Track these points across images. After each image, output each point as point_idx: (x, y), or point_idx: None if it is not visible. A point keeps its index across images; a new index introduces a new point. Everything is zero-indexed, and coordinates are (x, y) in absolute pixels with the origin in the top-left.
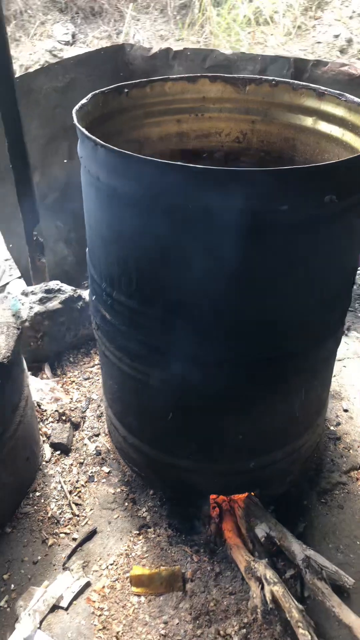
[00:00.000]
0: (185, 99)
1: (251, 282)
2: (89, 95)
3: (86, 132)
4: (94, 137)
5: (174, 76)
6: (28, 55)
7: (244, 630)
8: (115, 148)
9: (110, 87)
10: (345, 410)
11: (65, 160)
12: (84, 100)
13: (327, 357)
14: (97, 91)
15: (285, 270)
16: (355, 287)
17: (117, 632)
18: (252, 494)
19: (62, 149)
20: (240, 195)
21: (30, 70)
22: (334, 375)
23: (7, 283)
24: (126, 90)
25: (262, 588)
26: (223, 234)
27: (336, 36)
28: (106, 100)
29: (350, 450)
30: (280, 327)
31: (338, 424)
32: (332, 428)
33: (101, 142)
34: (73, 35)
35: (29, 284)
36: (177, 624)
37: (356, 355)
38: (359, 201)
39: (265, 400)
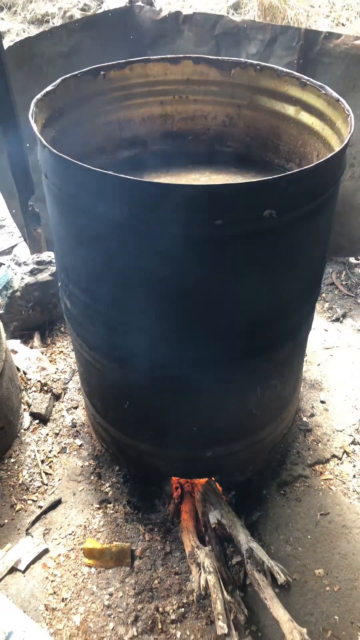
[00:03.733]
0: (168, 80)
1: (189, 290)
2: (57, 81)
3: (36, 131)
4: (40, 137)
5: (155, 57)
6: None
7: (182, 609)
8: (55, 151)
9: (84, 70)
10: (322, 402)
11: None
12: (49, 87)
13: (286, 359)
14: (67, 75)
15: (222, 281)
16: (359, 270)
17: (65, 598)
18: (212, 479)
19: None
20: (172, 208)
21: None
22: (318, 364)
23: (15, 245)
24: (103, 73)
25: (200, 575)
26: (156, 243)
27: None
28: (80, 83)
29: (319, 444)
30: (221, 331)
31: (312, 415)
32: (305, 419)
33: (45, 142)
34: None
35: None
36: (121, 596)
37: (347, 345)
38: (304, 215)
39: (213, 398)
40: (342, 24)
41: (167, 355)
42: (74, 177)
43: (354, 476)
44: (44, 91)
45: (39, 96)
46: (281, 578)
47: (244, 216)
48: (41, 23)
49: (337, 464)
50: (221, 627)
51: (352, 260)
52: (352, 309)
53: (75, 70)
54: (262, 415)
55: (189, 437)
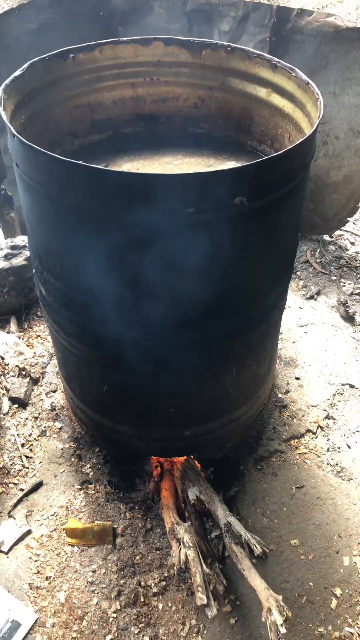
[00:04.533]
0: (139, 62)
1: (162, 276)
2: (25, 65)
3: (6, 120)
4: (9, 125)
5: (125, 39)
6: None
7: (164, 583)
8: (25, 141)
9: (53, 52)
10: (297, 378)
11: None
12: (17, 72)
13: (261, 339)
14: (36, 59)
15: (193, 266)
16: (333, 248)
17: (49, 577)
18: (191, 457)
19: None
20: (143, 197)
21: None
22: (293, 342)
23: None
24: (72, 55)
25: (180, 550)
26: (127, 231)
27: None
28: (48, 67)
29: (294, 419)
30: (195, 316)
31: (287, 391)
32: (280, 395)
33: (14, 131)
34: None
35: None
36: (104, 573)
37: (321, 322)
38: (274, 200)
39: (189, 380)
40: None
41: (143, 339)
42: (45, 167)
43: (328, 450)
44: (12, 76)
45: (7, 82)
46: (258, 549)
47: (215, 204)
48: None
49: (312, 438)
50: (201, 598)
51: (326, 237)
52: (326, 286)
53: (45, 48)
54: (238, 394)
55: (167, 417)
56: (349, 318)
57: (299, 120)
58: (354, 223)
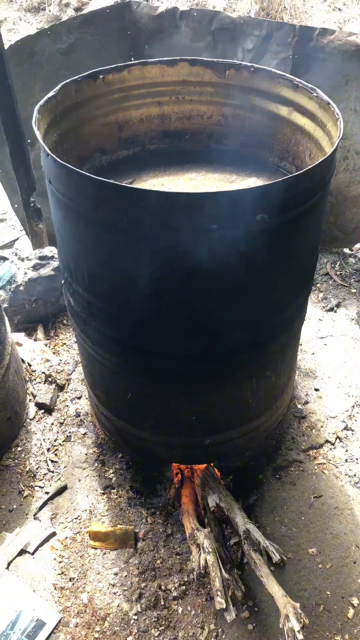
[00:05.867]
0: (165, 81)
1: (187, 289)
2: (58, 86)
3: (40, 139)
4: (43, 144)
5: (152, 60)
6: None
7: (183, 587)
8: (59, 160)
9: (84, 74)
10: (316, 390)
11: None
12: (51, 93)
13: (280, 351)
14: (68, 80)
15: (216, 280)
16: (353, 260)
17: (73, 578)
18: (211, 464)
19: None
20: (171, 214)
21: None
22: (312, 353)
23: (17, 239)
24: (102, 76)
25: (200, 555)
26: (154, 247)
27: None
28: (80, 87)
29: (313, 430)
30: (217, 327)
31: (306, 402)
32: (299, 406)
33: (48, 150)
34: None
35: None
36: (125, 576)
37: (341, 334)
38: (295, 216)
39: (211, 390)
40: (339, 9)
41: (168, 350)
42: (77, 185)
43: (346, 460)
44: (45, 97)
45: (41, 103)
46: (276, 557)
47: (237, 221)
48: (37, 11)
49: (330, 449)
50: (220, 602)
51: (346, 250)
52: (345, 298)
53: (74, 66)
54: (258, 404)
55: (189, 426)
56: None
57: (320, 139)
58: None
